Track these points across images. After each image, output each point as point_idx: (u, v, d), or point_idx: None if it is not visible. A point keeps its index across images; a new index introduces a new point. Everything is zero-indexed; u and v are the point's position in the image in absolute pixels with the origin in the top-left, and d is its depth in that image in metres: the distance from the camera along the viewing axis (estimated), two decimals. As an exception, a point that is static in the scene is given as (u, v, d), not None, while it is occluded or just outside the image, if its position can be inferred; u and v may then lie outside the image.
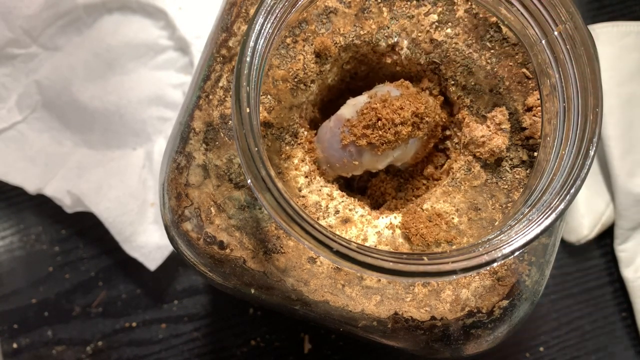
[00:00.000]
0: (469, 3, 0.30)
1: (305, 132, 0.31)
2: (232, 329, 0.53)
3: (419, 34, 0.30)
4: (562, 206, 0.24)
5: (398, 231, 0.30)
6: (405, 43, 0.31)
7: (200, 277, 0.52)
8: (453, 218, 0.30)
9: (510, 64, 0.29)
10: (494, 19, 0.29)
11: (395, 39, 0.31)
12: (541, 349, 0.53)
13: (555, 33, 0.26)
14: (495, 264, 0.23)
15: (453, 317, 0.29)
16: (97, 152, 0.53)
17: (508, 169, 0.30)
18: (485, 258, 0.23)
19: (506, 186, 0.30)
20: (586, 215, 0.53)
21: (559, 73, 0.26)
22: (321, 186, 0.31)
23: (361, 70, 0.34)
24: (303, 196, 0.30)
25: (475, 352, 0.30)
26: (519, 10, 0.27)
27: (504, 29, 0.29)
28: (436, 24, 0.30)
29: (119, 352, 0.52)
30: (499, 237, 0.24)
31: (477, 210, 0.30)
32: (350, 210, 0.30)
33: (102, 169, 0.51)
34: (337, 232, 0.29)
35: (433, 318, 0.29)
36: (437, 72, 0.31)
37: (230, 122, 0.30)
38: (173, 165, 0.31)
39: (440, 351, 0.30)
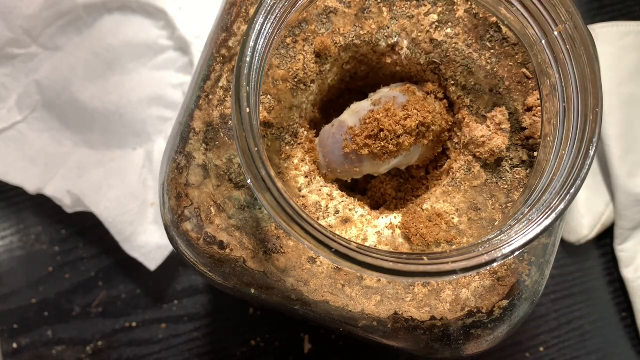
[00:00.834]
0: (469, 3, 0.30)
1: (305, 132, 0.31)
2: (232, 329, 0.53)
3: (419, 34, 0.30)
4: (562, 206, 0.24)
5: (398, 231, 0.30)
6: (405, 43, 0.31)
7: (200, 277, 0.52)
8: (453, 218, 0.30)
9: (510, 64, 0.29)
10: (494, 19, 0.29)
11: (395, 39, 0.31)
12: (541, 349, 0.53)
13: (555, 33, 0.26)
14: (495, 264, 0.23)
15: (453, 317, 0.29)
16: (97, 152, 0.53)
17: (508, 169, 0.30)
18: (485, 258, 0.23)
19: (506, 186, 0.30)
20: (586, 215, 0.53)
21: (559, 73, 0.26)
22: (321, 186, 0.31)
23: (361, 70, 0.34)
24: (303, 196, 0.30)
25: (475, 352, 0.30)
26: (519, 10, 0.27)
27: (504, 29, 0.29)
28: (436, 24, 0.30)
29: (119, 352, 0.52)
30: (499, 237, 0.24)
31: (477, 210, 0.30)
32: (350, 210, 0.30)
33: (102, 169, 0.51)
34: (337, 232, 0.29)
35: (433, 318, 0.29)
36: (437, 72, 0.31)
37: (230, 122, 0.30)
38: (173, 165, 0.31)
39: (440, 351, 0.30)
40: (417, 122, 0.29)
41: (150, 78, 0.52)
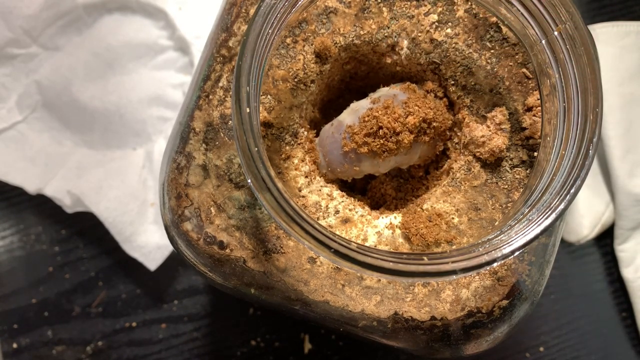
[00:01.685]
0: (469, 3, 0.30)
1: (305, 132, 0.31)
2: (232, 329, 0.53)
3: (419, 34, 0.30)
4: (562, 206, 0.24)
5: (398, 231, 0.30)
6: (405, 43, 0.31)
7: (200, 277, 0.52)
8: (453, 218, 0.30)
9: (510, 64, 0.29)
10: (494, 19, 0.29)
11: (395, 39, 0.31)
12: (541, 349, 0.53)
13: (555, 33, 0.26)
14: (495, 264, 0.23)
15: (453, 317, 0.29)
16: (97, 152, 0.53)
17: (508, 169, 0.30)
18: (485, 258, 0.23)
19: (506, 186, 0.30)
20: (586, 215, 0.53)
21: (559, 73, 0.26)
22: (321, 186, 0.31)
23: (361, 70, 0.34)
24: (303, 196, 0.30)
25: (475, 352, 0.30)
26: (519, 10, 0.27)
27: (504, 29, 0.29)
28: (436, 24, 0.30)
29: (119, 352, 0.52)
30: (499, 237, 0.24)
31: (477, 210, 0.30)
32: (350, 210, 0.30)
33: (102, 169, 0.51)
34: (337, 232, 0.29)
35: (433, 318, 0.29)
36: (437, 72, 0.31)
37: (230, 122, 0.30)
38: (173, 165, 0.31)
39: (440, 351, 0.30)
40: (420, 118, 0.29)
41: (150, 78, 0.52)
